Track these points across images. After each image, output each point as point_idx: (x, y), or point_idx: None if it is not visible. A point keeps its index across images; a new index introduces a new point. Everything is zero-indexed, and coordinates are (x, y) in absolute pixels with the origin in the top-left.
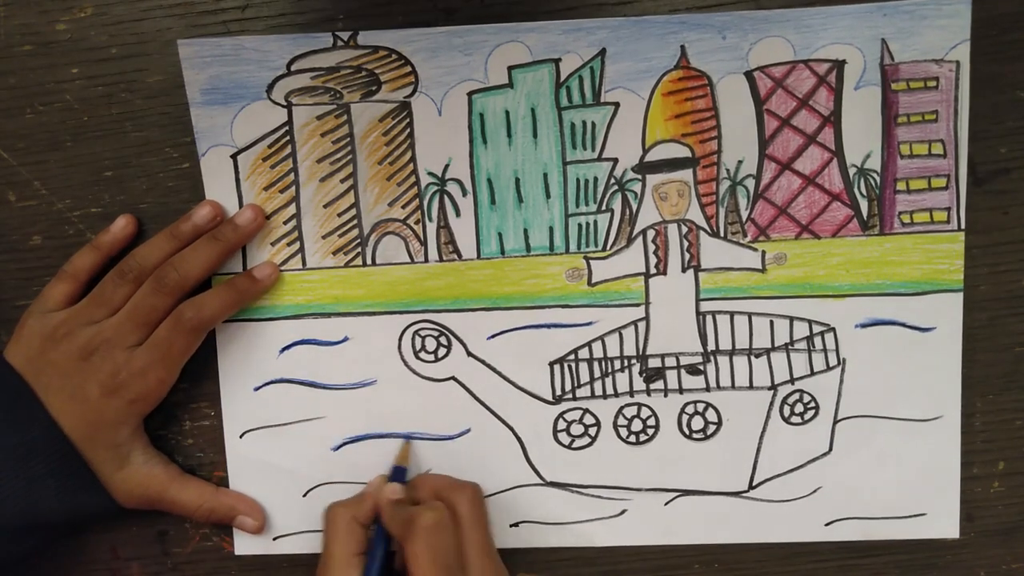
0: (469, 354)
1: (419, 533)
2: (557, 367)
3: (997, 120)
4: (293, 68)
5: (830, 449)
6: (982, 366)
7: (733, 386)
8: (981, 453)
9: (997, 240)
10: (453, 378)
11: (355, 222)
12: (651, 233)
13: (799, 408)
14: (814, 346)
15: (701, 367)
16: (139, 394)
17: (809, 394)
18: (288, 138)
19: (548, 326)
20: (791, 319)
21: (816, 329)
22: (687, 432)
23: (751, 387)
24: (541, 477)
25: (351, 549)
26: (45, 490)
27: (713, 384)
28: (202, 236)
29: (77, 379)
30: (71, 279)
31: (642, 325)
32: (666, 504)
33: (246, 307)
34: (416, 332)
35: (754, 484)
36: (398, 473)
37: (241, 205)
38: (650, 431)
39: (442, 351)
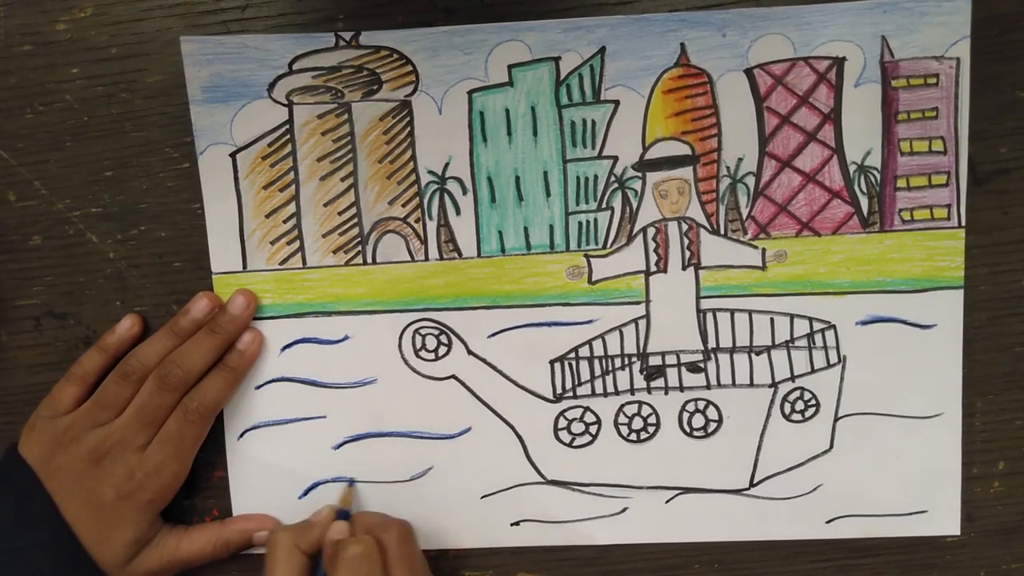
0: (470, 352)
1: (344, 564)
2: (558, 365)
3: (997, 120)
4: (295, 67)
5: (831, 446)
6: (982, 366)
7: (734, 384)
8: (981, 453)
9: (997, 240)
10: (454, 376)
11: (355, 221)
12: (651, 231)
13: (800, 405)
14: (815, 343)
15: (702, 365)
16: (156, 493)
17: (810, 391)
18: (288, 137)
19: (549, 324)
20: (792, 316)
21: (817, 326)
22: (688, 430)
23: (752, 385)
24: (542, 475)
25: (293, 574)
26: None
27: (714, 382)
28: (200, 331)
29: (90, 483)
30: (80, 381)
31: (643, 323)
32: (667, 502)
33: (243, 378)
34: (417, 331)
35: (755, 482)
36: (342, 516)
37: (240, 203)
38: (651, 429)
39: (443, 349)
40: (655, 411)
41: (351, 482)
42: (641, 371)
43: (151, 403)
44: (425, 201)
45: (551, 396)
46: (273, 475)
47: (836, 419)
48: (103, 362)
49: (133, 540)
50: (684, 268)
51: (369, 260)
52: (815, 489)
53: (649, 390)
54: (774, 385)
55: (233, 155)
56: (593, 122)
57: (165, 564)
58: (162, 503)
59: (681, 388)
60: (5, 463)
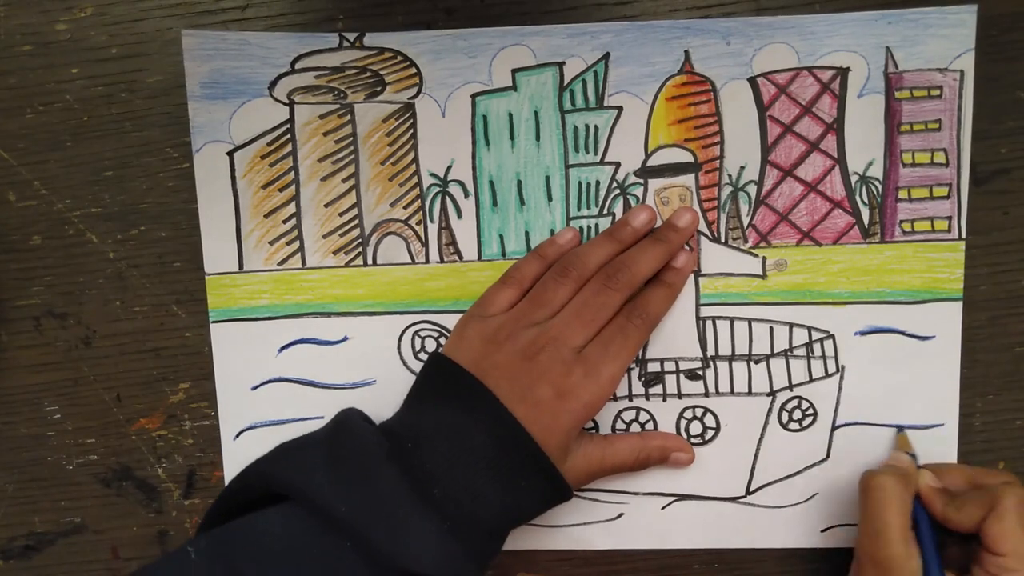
0: None
1: (1011, 511)
2: None
3: (997, 120)
4: (297, 66)
5: (827, 456)
6: (982, 366)
7: (732, 391)
8: (981, 453)
9: (997, 240)
10: None
11: (356, 222)
12: None
13: (797, 414)
14: (813, 353)
15: (700, 372)
16: (593, 396)
17: (808, 401)
18: (289, 136)
19: None
20: (791, 325)
21: (815, 336)
22: (685, 437)
23: (750, 393)
24: None
25: (907, 522)
26: (518, 491)
27: (712, 389)
28: (647, 238)
29: (526, 380)
30: (516, 284)
31: None
32: (663, 508)
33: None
34: (416, 333)
35: (751, 490)
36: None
37: (236, 203)
38: None
39: None
40: (653, 418)
41: (901, 428)
42: (640, 377)
43: (595, 301)
44: (427, 204)
45: None
46: None
47: (833, 428)
48: (540, 269)
49: (564, 444)
50: None
51: (370, 262)
52: (811, 498)
53: (647, 396)
54: (772, 394)
55: (231, 153)
56: (596, 128)
57: (593, 473)
58: (596, 408)
59: (679, 395)
60: (436, 367)
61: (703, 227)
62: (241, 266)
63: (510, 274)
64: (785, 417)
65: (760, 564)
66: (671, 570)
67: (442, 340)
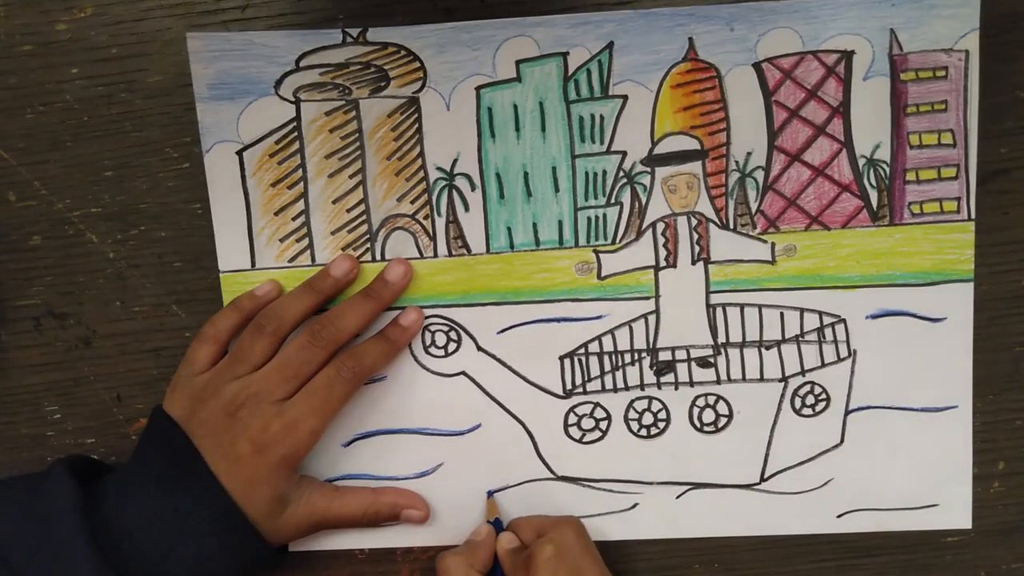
0: (479, 349)
1: (542, 566)
2: (567, 361)
3: (997, 120)
4: (302, 64)
5: (841, 441)
6: (982, 366)
7: (744, 378)
8: (981, 453)
9: (997, 240)
10: (463, 373)
11: (364, 218)
12: (660, 226)
13: (810, 400)
14: (825, 337)
15: (712, 360)
16: (290, 448)
17: (820, 386)
18: (296, 134)
19: (558, 320)
20: (801, 311)
21: (827, 320)
22: (698, 425)
23: (762, 379)
24: (552, 471)
25: None
26: (210, 547)
27: (724, 377)
28: (356, 293)
29: (227, 437)
30: (213, 340)
31: (652, 318)
32: (677, 497)
33: (399, 353)
34: (426, 327)
35: (766, 476)
36: (497, 525)
37: (247, 201)
38: (661, 424)
39: (452, 346)
40: (665, 406)
41: (490, 494)
42: (651, 366)
43: (298, 357)
44: (434, 198)
45: (561, 392)
46: None
47: (847, 413)
48: (237, 321)
49: (272, 497)
50: (693, 263)
51: (378, 257)
52: (826, 483)
53: (659, 385)
54: (784, 380)
55: (240, 153)
56: (601, 117)
57: (315, 523)
58: (296, 460)
59: (691, 383)
60: (153, 423)
61: (712, 214)
62: (253, 264)
63: (206, 330)
64: (798, 403)
65: (763, 564)
66: (672, 570)
67: (452, 334)
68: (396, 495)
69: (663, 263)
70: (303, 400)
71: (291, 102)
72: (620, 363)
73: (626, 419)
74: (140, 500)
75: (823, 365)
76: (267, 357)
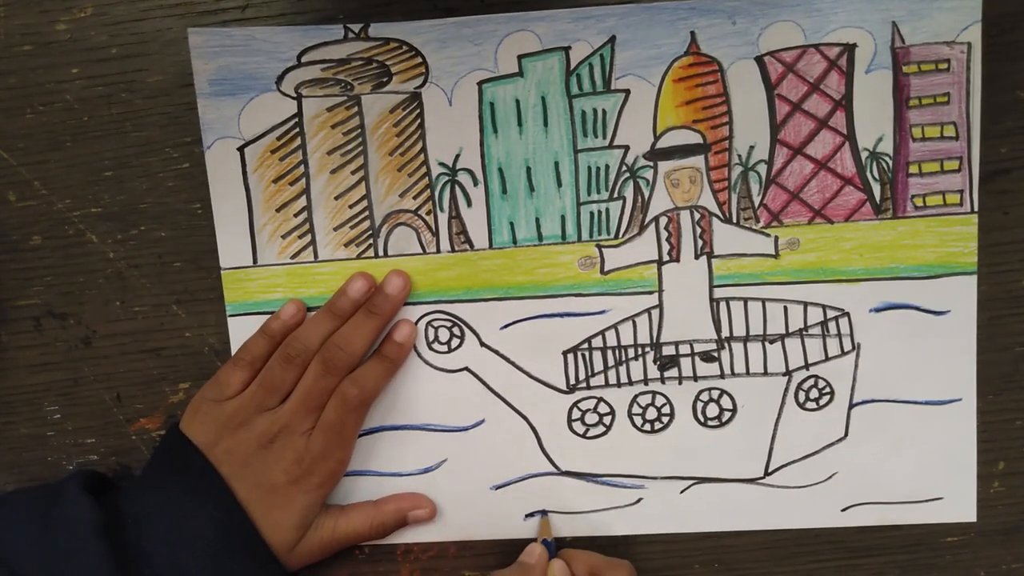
0: (482, 344)
1: None
2: (571, 356)
3: (997, 120)
4: (303, 60)
5: (846, 434)
6: (982, 366)
7: (748, 372)
8: (981, 453)
9: (997, 240)
10: (467, 369)
11: (366, 214)
12: (663, 220)
13: (814, 393)
14: (828, 331)
15: (715, 354)
16: (325, 476)
17: (824, 379)
18: (298, 130)
19: (561, 315)
20: (805, 304)
21: (830, 314)
22: (702, 419)
23: (766, 373)
24: (556, 466)
25: None
26: (229, 572)
27: (728, 371)
28: (359, 312)
29: (260, 467)
30: (247, 366)
31: (656, 313)
32: (682, 492)
33: (399, 368)
34: (429, 323)
35: (770, 470)
36: (549, 547)
37: (248, 198)
38: (665, 419)
39: (455, 342)
40: (669, 401)
41: (544, 513)
42: (655, 361)
43: (316, 387)
44: (436, 193)
45: (564, 387)
46: None
47: (851, 406)
48: (268, 347)
49: (300, 523)
50: (697, 257)
51: (381, 253)
52: (830, 477)
53: (663, 380)
54: (788, 373)
55: (241, 149)
56: (604, 112)
57: (325, 545)
58: (331, 486)
59: (695, 378)
60: (172, 443)
61: (715, 208)
62: (255, 260)
63: (240, 355)
64: (802, 396)
65: (762, 564)
66: (672, 569)
67: (455, 330)
68: (397, 501)
69: (666, 257)
70: (323, 435)
71: (293, 98)
72: (623, 358)
73: (630, 414)
74: (161, 523)
75: (827, 359)
76: (295, 385)
